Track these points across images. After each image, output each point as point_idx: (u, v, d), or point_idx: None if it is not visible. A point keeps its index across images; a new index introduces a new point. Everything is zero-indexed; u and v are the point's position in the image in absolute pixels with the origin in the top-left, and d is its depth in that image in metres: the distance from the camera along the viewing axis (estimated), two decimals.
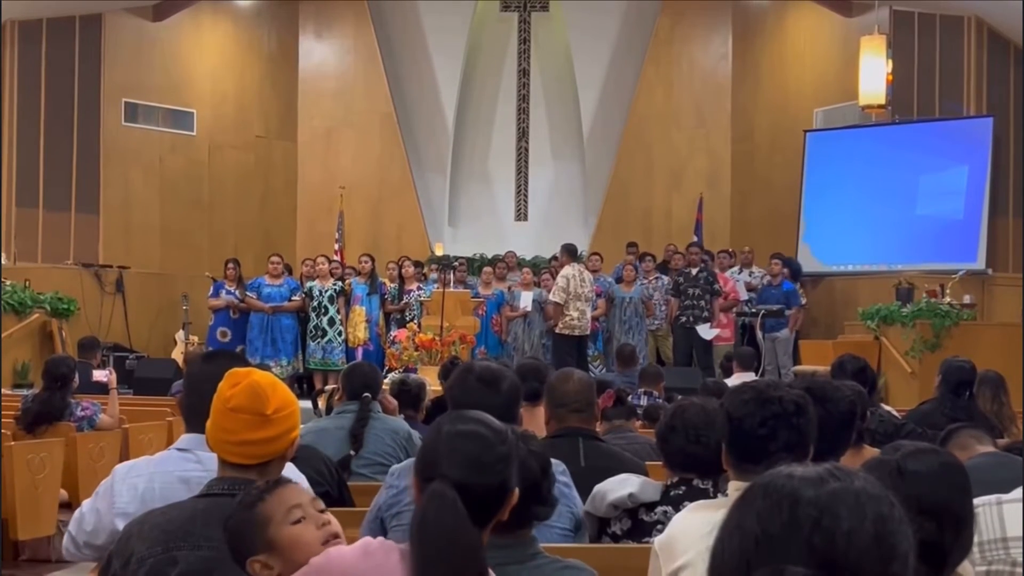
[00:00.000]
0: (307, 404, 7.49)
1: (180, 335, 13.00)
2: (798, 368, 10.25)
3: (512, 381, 3.15)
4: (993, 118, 12.84)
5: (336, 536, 1.97)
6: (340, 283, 12.63)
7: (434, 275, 12.74)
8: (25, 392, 8.23)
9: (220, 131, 15.43)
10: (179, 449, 2.63)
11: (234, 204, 15.51)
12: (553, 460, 2.51)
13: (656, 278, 12.80)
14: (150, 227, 14.74)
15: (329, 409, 5.20)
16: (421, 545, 1.76)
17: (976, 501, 2.05)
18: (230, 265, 12.76)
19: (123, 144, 14.47)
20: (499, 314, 12.68)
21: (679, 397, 4.75)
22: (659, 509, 3.06)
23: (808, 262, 13.40)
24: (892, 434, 4.51)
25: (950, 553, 1.82)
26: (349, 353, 12.32)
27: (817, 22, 14.63)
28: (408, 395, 5.40)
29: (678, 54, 15.18)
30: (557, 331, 11.53)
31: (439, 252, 14.09)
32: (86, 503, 2.71)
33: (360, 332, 12.47)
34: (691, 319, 11.99)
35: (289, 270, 13.01)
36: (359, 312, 12.54)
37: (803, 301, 12.35)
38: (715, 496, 2.93)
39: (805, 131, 14.09)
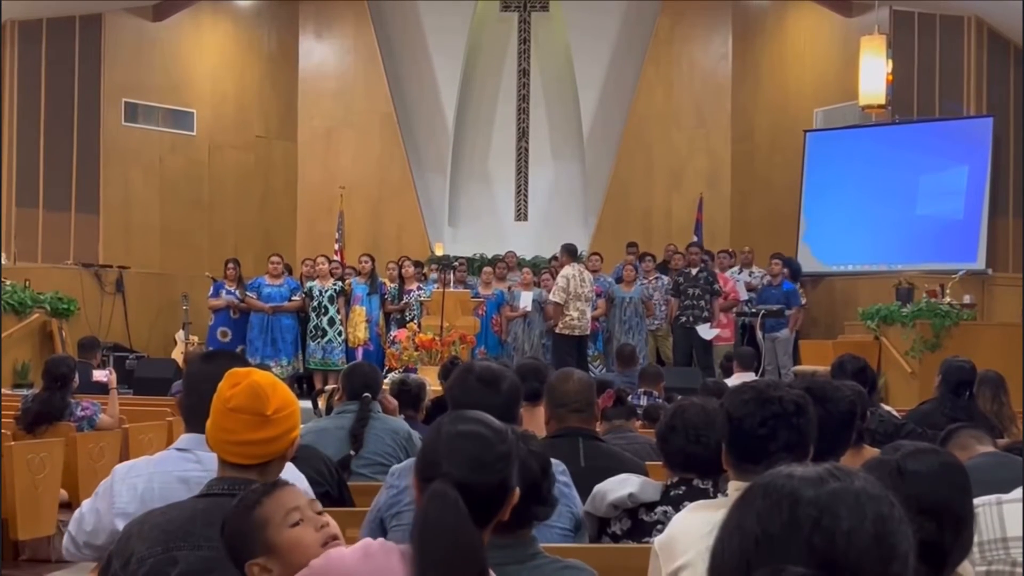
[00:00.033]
0: (307, 404, 7.49)
1: (180, 335, 13.00)
2: (798, 368, 10.25)
3: (512, 381, 3.15)
4: (993, 118, 12.84)
5: (335, 538, 1.97)
6: (340, 283, 12.64)
7: (434, 275, 12.74)
8: (25, 392, 8.23)
9: (220, 131, 15.43)
10: (178, 449, 2.63)
11: (234, 204, 15.51)
12: (553, 460, 2.51)
13: (656, 278, 12.80)
14: (150, 227, 14.74)
15: (329, 409, 5.20)
16: (422, 545, 1.76)
17: (976, 501, 2.05)
18: (230, 265, 12.76)
19: (123, 144, 14.47)
20: (499, 314, 12.68)
21: (679, 397, 4.75)
22: (659, 509, 3.06)
23: (808, 262, 13.40)
24: (892, 434, 4.51)
25: (950, 553, 1.82)
26: (349, 353, 12.32)
27: (817, 22, 14.63)
28: (408, 395, 5.40)
29: (678, 54, 15.18)
30: (557, 331, 11.53)
31: (439, 252, 14.09)
32: (86, 503, 2.71)
33: (360, 332, 12.47)
34: (691, 319, 11.99)
35: (289, 270, 13.01)
36: (359, 312, 12.54)
37: (803, 301, 12.35)
38: (715, 496, 2.93)
39: (805, 131, 14.10)
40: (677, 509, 2.84)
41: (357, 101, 15.30)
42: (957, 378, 5.87)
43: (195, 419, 2.55)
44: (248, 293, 12.48)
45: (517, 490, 1.99)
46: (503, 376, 3.13)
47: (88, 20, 14.19)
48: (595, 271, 12.37)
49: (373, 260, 12.86)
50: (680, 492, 3.04)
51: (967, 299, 10.88)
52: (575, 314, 11.42)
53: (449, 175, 15.59)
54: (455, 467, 1.89)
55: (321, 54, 15.52)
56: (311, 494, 2.71)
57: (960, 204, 12.84)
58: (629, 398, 5.63)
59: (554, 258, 13.18)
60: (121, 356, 12.45)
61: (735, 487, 2.36)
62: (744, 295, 12.73)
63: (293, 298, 12.49)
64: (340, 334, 12.47)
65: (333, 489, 3.87)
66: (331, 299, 12.47)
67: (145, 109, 14.74)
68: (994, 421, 5.70)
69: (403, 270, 12.85)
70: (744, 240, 14.08)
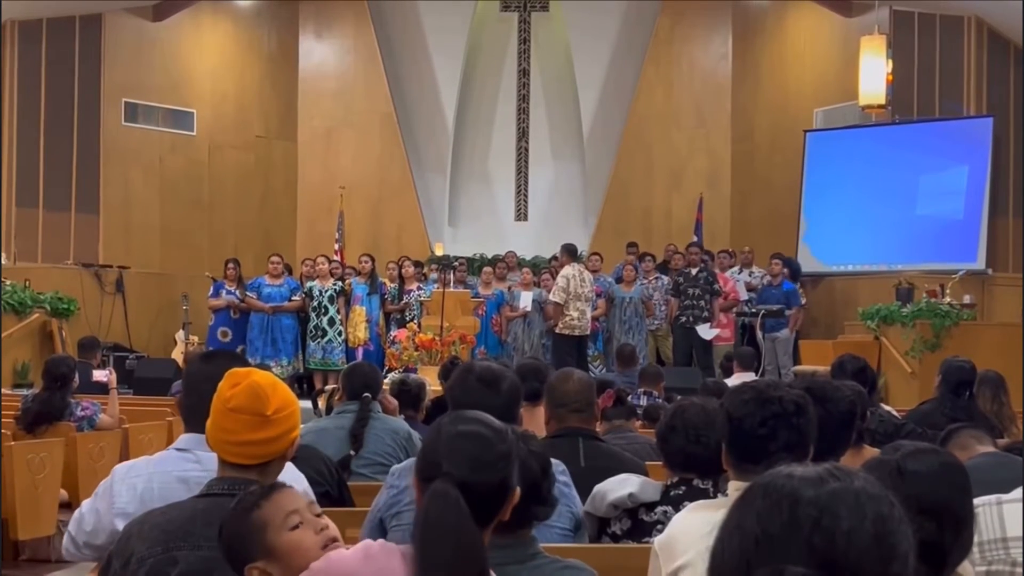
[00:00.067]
0: (307, 404, 7.49)
1: (180, 335, 13.00)
2: (798, 368, 10.25)
3: (512, 381, 3.15)
4: (993, 118, 12.84)
5: (335, 540, 1.97)
6: (340, 283, 12.64)
7: (434, 275, 12.74)
8: (25, 392, 8.23)
9: (220, 131, 15.43)
10: (178, 449, 2.63)
11: (234, 204, 15.51)
12: (553, 460, 2.51)
13: (656, 278, 12.80)
14: (150, 227, 14.74)
15: (329, 409, 5.20)
16: (423, 545, 1.76)
17: (976, 501, 2.05)
18: (230, 265, 12.77)
19: (123, 144, 14.47)
20: (499, 314, 12.67)
21: (679, 397, 4.75)
22: (659, 509, 3.06)
23: (808, 262, 13.40)
24: (892, 434, 4.51)
25: (950, 553, 1.82)
26: (349, 353, 12.32)
27: (817, 22, 14.63)
28: (408, 395, 5.40)
29: (678, 54, 15.18)
30: (557, 331, 11.53)
31: (439, 252, 14.09)
32: (85, 503, 2.70)
33: (360, 332, 12.47)
34: (691, 319, 11.99)
35: (289, 270, 13.01)
36: (359, 312, 12.54)
37: (803, 301, 12.35)
38: (715, 496, 2.93)
39: (805, 131, 14.09)
40: (677, 509, 2.84)
41: (357, 101, 15.30)
42: (957, 378, 5.87)
43: (195, 419, 2.55)
44: (248, 293, 12.48)
45: (518, 490, 1.99)
46: (503, 376, 3.13)
47: (88, 20, 14.19)
48: (595, 271, 12.37)
49: (373, 260, 12.86)
50: (680, 492, 3.04)
51: (967, 299, 10.88)
52: (575, 314, 11.42)
53: (449, 175, 15.59)
54: (455, 467, 1.89)
55: (321, 54, 15.53)
56: (311, 494, 2.71)
57: (960, 204, 12.84)
58: (629, 398, 5.63)
59: (554, 258, 13.18)
60: (121, 356, 12.45)
61: (735, 487, 2.36)
62: (744, 295, 12.73)
63: (293, 298, 12.49)
64: (340, 334, 12.47)
65: (333, 489, 3.87)
66: (331, 299, 12.47)
67: (145, 109, 14.74)
68: (994, 421, 5.70)
69: (403, 270, 12.85)
70: (744, 240, 14.08)
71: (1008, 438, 5.24)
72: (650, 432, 4.42)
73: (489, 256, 14.34)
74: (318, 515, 1.99)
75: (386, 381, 5.59)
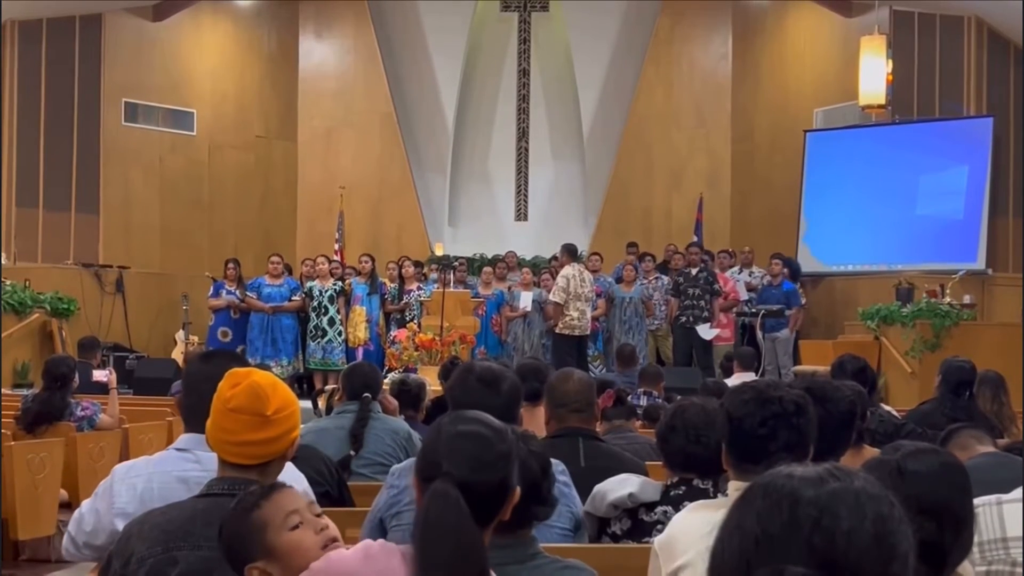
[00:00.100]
0: (307, 404, 7.49)
1: (180, 335, 13.00)
2: (798, 368, 10.25)
3: (512, 382, 3.15)
4: (993, 118, 12.84)
5: (334, 540, 1.97)
6: (340, 283, 12.64)
7: (434, 275, 12.74)
8: (25, 392, 8.23)
9: (220, 131, 15.43)
10: (178, 449, 2.63)
11: (234, 204, 15.51)
12: (552, 460, 2.51)
13: (656, 278, 12.80)
14: (150, 227, 14.74)
15: (329, 409, 5.20)
16: (424, 544, 1.76)
17: (976, 501, 2.04)
18: (230, 265, 12.77)
19: (123, 144, 14.47)
20: (499, 314, 12.67)
21: (679, 397, 4.75)
22: (659, 509, 3.06)
23: (808, 262, 13.40)
24: (892, 434, 4.51)
25: (950, 553, 1.82)
26: (349, 353, 12.32)
27: (817, 22, 14.63)
28: (408, 395, 5.40)
29: (678, 54, 15.18)
30: (557, 331, 11.53)
31: (439, 252, 14.09)
32: (85, 503, 2.70)
33: (360, 332, 12.47)
34: (691, 319, 11.99)
35: (289, 270, 13.01)
36: (359, 312, 12.54)
37: (803, 301, 12.35)
38: (715, 496, 2.93)
39: (805, 131, 14.09)
40: (677, 509, 2.84)
41: (357, 101, 15.30)
42: (957, 378, 5.87)
43: (194, 419, 2.55)
44: (248, 293, 12.48)
45: (518, 489, 1.99)
46: (503, 376, 3.13)
47: (88, 20, 14.19)
48: (595, 271, 12.37)
49: (373, 260, 12.86)
50: (680, 492, 3.04)
51: (967, 299, 10.88)
52: (575, 314, 11.42)
53: (449, 175, 15.59)
54: (455, 467, 1.89)
55: (321, 54, 15.52)
56: (311, 494, 2.71)
57: (960, 204, 12.84)
58: (629, 398, 5.63)
59: (554, 258, 13.18)
60: (121, 356, 12.45)
61: (735, 487, 2.36)
62: (744, 295, 12.73)
63: (293, 298, 12.49)
64: (340, 334, 12.47)
65: (333, 489, 3.87)
66: (331, 299, 12.47)
67: (145, 109, 14.74)
68: (994, 421, 5.70)
69: (403, 270, 12.86)
70: (744, 240, 14.08)
71: (1008, 438, 5.24)
72: (650, 432, 4.42)
73: (489, 256, 14.34)
74: (318, 515, 1.99)
75: (386, 381, 5.59)
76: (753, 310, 12.03)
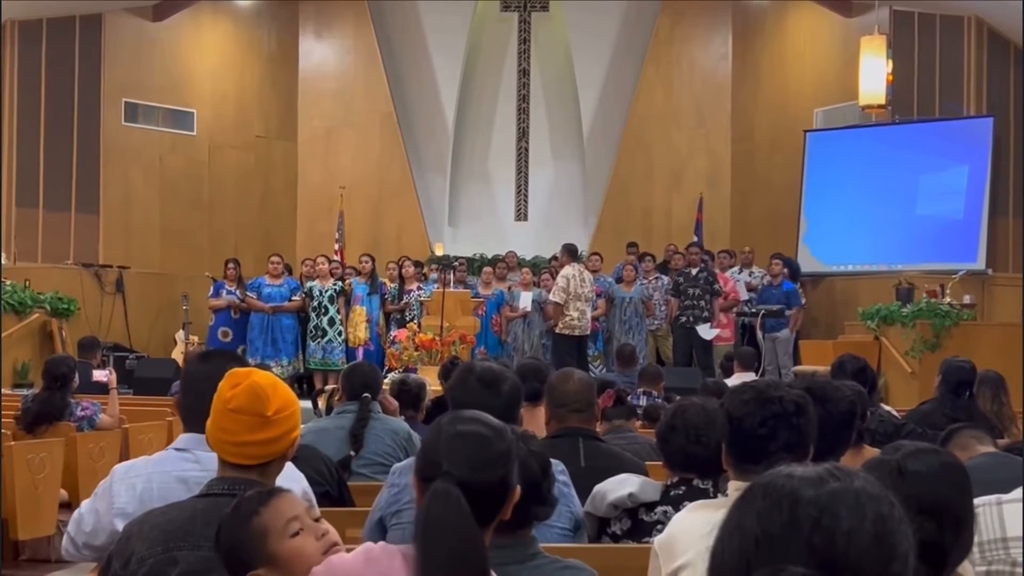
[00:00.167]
0: (307, 404, 7.49)
1: (180, 335, 13.00)
2: (798, 368, 10.25)
3: (513, 382, 3.15)
4: (993, 118, 12.83)
5: (335, 546, 1.96)
6: (340, 283, 12.64)
7: (434, 275, 12.74)
8: (25, 392, 8.23)
9: (220, 131, 15.43)
10: (177, 449, 2.63)
11: (234, 204, 15.51)
12: (552, 460, 2.51)
13: (656, 278, 12.80)
14: (150, 227, 14.74)
15: (329, 409, 5.20)
16: (425, 544, 1.75)
17: (976, 501, 2.04)
18: (230, 265, 12.77)
19: (123, 144, 14.47)
20: (499, 314, 12.67)
21: (679, 397, 4.75)
22: (659, 509, 3.06)
23: (808, 262, 13.40)
24: (892, 434, 4.51)
25: (950, 553, 1.82)
26: (349, 353, 12.32)
27: (817, 22, 14.63)
28: (408, 395, 5.40)
29: (678, 54, 15.18)
30: (557, 331, 11.53)
31: (439, 252, 14.09)
32: (85, 504, 2.70)
33: (360, 332, 12.47)
34: (691, 319, 11.99)
35: (289, 270, 13.01)
36: (359, 312, 12.54)
37: (803, 301, 12.35)
38: (715, 496, 2.93)
39: (805, 131, 14.09)
40: (677, 509, 2.84)
41: (357, 101, 15.30)
42: (957, 378, 5.87)
43: (193, 419, 2.55)
44: (248, 293, 12.48)
45: (518, 488, 1.99)
46: (504, 377, 3.13)
47: (88, 20, 14.19)
48: (595, 271, 12.37)
49: (373, 260, 12.86)
50: (680, 492, 3.04)
51: (967, 299, 10.88)
52: (575, 314, 11.42)
53: (449, 175, 15.59)
54: (455, 467, 1.88)
55: (321, 54, 15.52)
56: (311, 494, 2.72)
57: (960, 204, 12.84)
58: (629, 398, 5.63)
59: (554, 258, 13.18)
60: (121, 356, 12.45)
61: (735, 487, 2.36)
62: (744, 295, 12.73)
63: (293, 298, 12.49)
64: (340, 334, 12.47)
65: (333, 489, 3.87)
66: (331, 299, 12.47)
67: (145, 109, 14.74)
68: (994, 421, 5.69)
69: (403, 270, 12.86)
70: (744, 240, 14.08)
71: (1008, 438, 5.24)
72: (650, 432, 4.42)
73: (489, 256, 14.34)
74: (317, 519, 1.99)
75: (386, 381, 5.59)
76: (753, 310, 12.03)
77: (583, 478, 3.25)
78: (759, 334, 11.77)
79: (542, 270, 13.02)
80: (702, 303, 11.99)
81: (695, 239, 13.71)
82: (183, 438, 2.63)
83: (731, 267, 13.24)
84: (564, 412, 3.62)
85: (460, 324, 10.97)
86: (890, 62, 12.48)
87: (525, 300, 12.49)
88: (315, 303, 12.48)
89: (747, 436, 2.38)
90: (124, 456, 6.65)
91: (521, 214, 15.80)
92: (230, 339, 12.35)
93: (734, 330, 12.62)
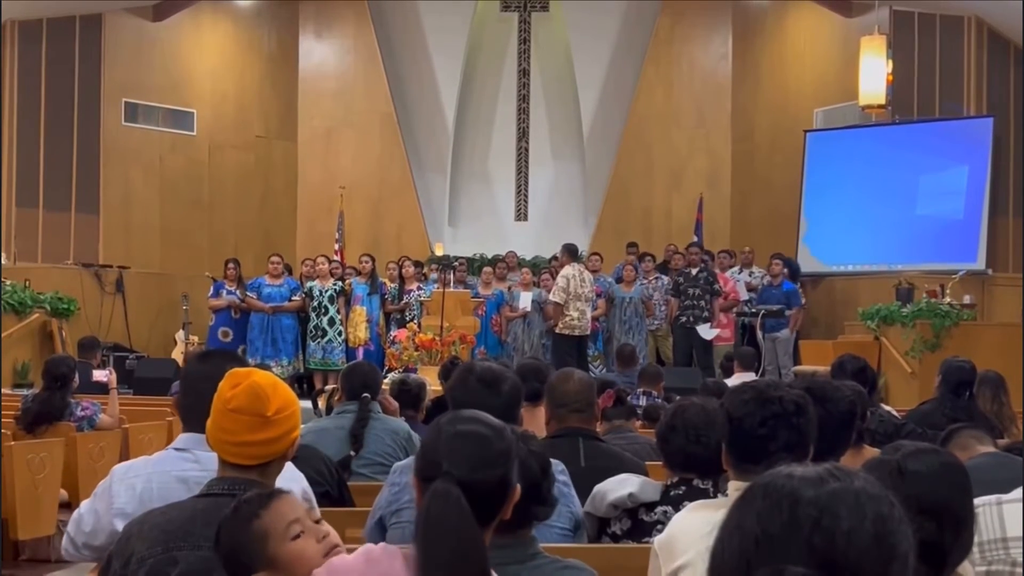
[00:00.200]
0: (307, 404, 7.49)
1: (180, 335, 13.00)
2: (798, 368, 10.25)
3: (513, 382, 3.15)
4: (993, 118, 12.83)
5: (336, 547, 1.96)
6: (340, 283, 12.64)
7: (434, 275, 12.74)
8: (25, 392, 8.23)
9: (220, 131, 15.43)
10: (177, 449, 2.63)
11: (234, 204, 15.51)
12: (552, 460, 2.51)
13: (656, 278, 12.80)
14: (150, 227, 14.74)
15: (329, 409, 5.20)
16: (424, 544, 1.75)
17: (976, 501, 2.04)
18: (230, 265, 12.77)
19: (123, 144, 14.47)
20: (499, 314, 12.67)
21: (678, 397, 4.75)
22: (659, 509, 3.06)
23: (808, 262, 13.40)
24: (892, 434, 4.51)
25: (950, 553, 1.82)
26: (349, 353, 12.31)
27: (817, 22, 14.63)
28: (408, 395, 5.40)
29: (678, 54, 15.18)
30: (557, 331, 11.53)
31: (439, 252, 14.10)
32: (84, 504, 2.70)
33: (360, 332, 12.47)
34: (691, 319, 11.99)
35: (289, 270, 13.01)
36: (359, 312, 12.54)
37: (803, 301, 12.35)
38: (715, 496, 2.93)
39: (805, 131, 14.09)
40: (677, 509, 2.84)
41: (357, 101, 15.30)
42: (957, 378, 5.87)
43: (193, 419, 2.55)
44: (248, 293, 12.48)
45: (518, 488, 1.98)
46: (504, 377, 3.13)
47: (88, 20, 14.19)
48: (595, 271, 12.37)
49: (373, 260, 12.86)
50: (680, 492, 3.04)
51: (967, 299, 10.88)
52: (575, 314, 11.42)
53: (449, 175, 15.59)
54: (455, 466, 1.88)
55: (321, 54, 15.52)
56: (310, 494, 2.71)
57: (960, 204, 12.84)
58: (629, 398, 5.63)
59: (554, 258, 13.18)
60: (121, 356, 12.45)
61: (735, 487, 2.36)
62: (744, 295, 12.73)
63: (293, 298, 12.49)
64: (340, 334, 12.47)
65: (333, 489, 3.87)
66: (331, 299, 12.47)
67: (145, 109, 14.74)
68: (994, 421, 5.69)
69: (403, 270, 12.86)
70: (744, 240, 14.08)
71: (1008, 438, 5.24)
72: (650, 432, 4.42)
73: (489, 256, 14.34)
74: (317, 521, 1.99)
75: (386, 381, 5.59)
76: (753, 310, 12.03)
77: (583, 478, 3.25)
78: (759, 334, 11.77)
79: (542, 270, 13.02)
80: (702, 303, 11.99)
81: (695, 239, 13.71)
82: (183, 438, 2.63)
83: (731, 267, 13.24)
84: (564, 412, 3.62)
85: (460, 324, 10.97)
86: (890, 62, 12.49)
87: (525, 300, 12.49)
88: (315, 303, 12.48)
89: (747, 436, 2.38)
90: (124, 456, 6.65)
91: (521, 214, 15.80)
92: (230, 339, 12.35)
93: (734, 330, 12.62)
